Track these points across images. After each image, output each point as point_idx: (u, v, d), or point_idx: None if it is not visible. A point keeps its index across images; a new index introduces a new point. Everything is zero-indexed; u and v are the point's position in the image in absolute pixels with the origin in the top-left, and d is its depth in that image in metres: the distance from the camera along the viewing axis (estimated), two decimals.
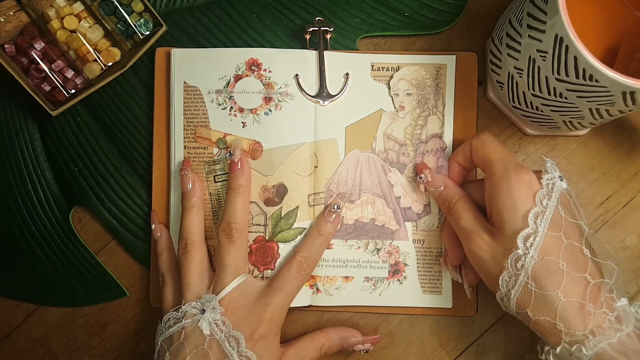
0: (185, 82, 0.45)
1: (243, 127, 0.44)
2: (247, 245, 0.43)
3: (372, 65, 0.45)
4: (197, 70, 0.44)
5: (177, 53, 0.45)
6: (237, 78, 0.44)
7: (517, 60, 0.37)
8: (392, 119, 0.44)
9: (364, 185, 0.44)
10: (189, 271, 0.41)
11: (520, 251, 0.35)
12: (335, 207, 0.43)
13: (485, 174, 0.39)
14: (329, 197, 0.44)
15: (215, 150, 0.44)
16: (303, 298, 0.44)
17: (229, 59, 0.44)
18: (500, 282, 0.36)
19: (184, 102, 0.45)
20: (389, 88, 0.44)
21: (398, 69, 0.45)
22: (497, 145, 0.39)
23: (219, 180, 0.44)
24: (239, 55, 0.44)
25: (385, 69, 0.45)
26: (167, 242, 0.44)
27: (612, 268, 0.35)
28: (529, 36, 0.35)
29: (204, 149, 0.45)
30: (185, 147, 0.45)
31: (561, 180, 0.37)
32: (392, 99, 0.44)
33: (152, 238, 0.45)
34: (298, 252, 0.42)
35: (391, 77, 0.44)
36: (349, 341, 0.43)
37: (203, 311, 0.39)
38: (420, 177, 0.43)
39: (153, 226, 0.45)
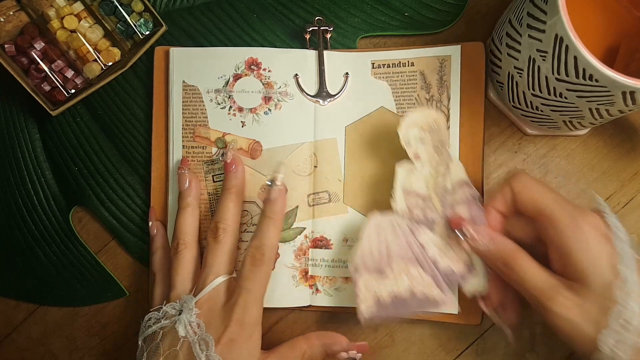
0: (184, 81, 0.45)
1: (242, 126, 0.44)
2: (236, 246, 0.42)
3: (373, 63, 0.45)
4: (195, 69, 0.44)
5: (175, 52, 0.45)
6: (237, 77, 0.44)
7: (517, 60, 0.37)
8: (409, 172, 0.39)
9: (393, 252, 0.38)
10: (176, 271, 0.41)
11: (622, 306, 0.31)
12: (270, 183, 0.40)
13: (540, 220, 0.35)
14: (354, 271, 0.38)
15: (214, 149, 0.44)
16: (302, 298, 0.44)
17: (228, 58, 0.44)
18: (600, 343, 0.32)
19: (183, 101, 0.44)
20: (399, 137, 0.38)
21: (399, 64, 0.44)
22: (543, 187, 0.36)
23: (218, 180, 0.44)
24: (238, 55, 0.44)
25: (386, 65, 0.45)
26: (162, 241, 0.44)
27: None
28: (529, 36, 0.35)
29: (203, 148, 0.44)
30: (183, 146, 0.45)
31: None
32: (405, 150, 0.39)
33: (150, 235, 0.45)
34: (249, 244, 0.39)
35: (399, 126, 0.39)
36: (332, 348, 0.40)
37: (181, 312, 0.38)
38: (462, 234, 0.37)
39: (150, 223, 0.45)
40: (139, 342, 0.39)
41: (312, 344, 0.40)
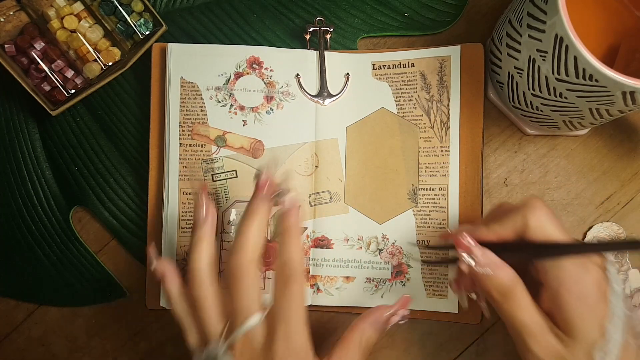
0: (182, 78, 0.44)
1: (244, 125, 0.44)
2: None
3: (373, 65, 0.45)
4: (195, 65, 0.44)
5: (173, 47, 0.44)
6: (238, 75, 0.44)
7: (517, 60, 0.37)
8: None
9: None
10: (201, 312, 0.35)
11: None
12: (280, 195, 0.37)
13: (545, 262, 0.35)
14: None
15: (214, 148, 0.44)
16: None
17: (229, 56, 0.44)
18: None
19: (181, 98, 0.44)
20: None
21: (400, 65, 0.45)
22: (560, 230, 0.34)
23: (217, 179, 0.44)
24: (239, 53, 0.44)
25: (386, 66, 0.45)
26: (177, 285, 0.38)
27: None
28: (529, 36, 0.35)
29: (202, 146, 0.44)
30: (181, 144, 0.44)
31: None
32: None
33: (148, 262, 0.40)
34: (277, 264, 0.36)
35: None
36: (380, 321, 0.37)
37: (215, 357, 0.34)
38: (470, 257, 0.34)
39: (152, 264, 0.38)
40: None
41: (362, 330, 0.37)
